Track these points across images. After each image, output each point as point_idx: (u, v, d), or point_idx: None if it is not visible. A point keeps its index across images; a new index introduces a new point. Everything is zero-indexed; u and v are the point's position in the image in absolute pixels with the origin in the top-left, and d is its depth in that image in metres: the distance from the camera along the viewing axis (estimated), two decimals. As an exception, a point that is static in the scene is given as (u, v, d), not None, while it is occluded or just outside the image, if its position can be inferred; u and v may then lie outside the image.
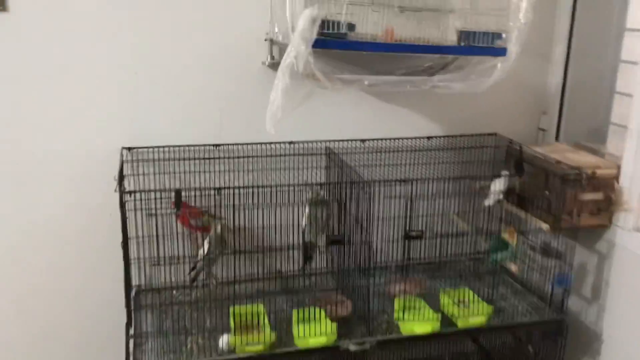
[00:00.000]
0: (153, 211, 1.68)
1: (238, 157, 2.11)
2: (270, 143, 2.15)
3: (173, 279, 1.94)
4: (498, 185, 2.08)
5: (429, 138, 2.31)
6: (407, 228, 1.81)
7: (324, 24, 1.71)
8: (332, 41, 1.73)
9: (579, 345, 2.26)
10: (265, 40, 2.05)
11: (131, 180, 2.02)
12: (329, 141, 2.21)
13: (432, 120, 2.36)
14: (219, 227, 1.77)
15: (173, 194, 1.64)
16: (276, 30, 1.94)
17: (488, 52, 1.89)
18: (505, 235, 2.07)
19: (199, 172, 2.07)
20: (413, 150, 2.30)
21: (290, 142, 2.17)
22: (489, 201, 2.09)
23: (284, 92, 1.68)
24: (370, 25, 1.84)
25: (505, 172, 2.14)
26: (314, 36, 1.68)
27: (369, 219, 1.79)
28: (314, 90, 1.78)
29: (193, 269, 1.82)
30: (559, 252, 2.14)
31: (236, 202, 1.70)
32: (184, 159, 2.07)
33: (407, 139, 2.29)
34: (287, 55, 1.70)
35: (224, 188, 1.66)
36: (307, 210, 1.80)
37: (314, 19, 1.68)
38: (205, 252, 1.75)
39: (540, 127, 2.49)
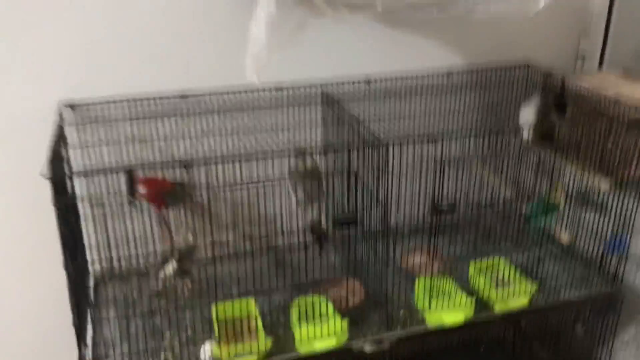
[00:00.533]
0: (103, 200, 1.24)
1: (212, 113, 1.65)
2: (252, 91, 1.69)
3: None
4: (527, 115, 1.69)
5: (448, 75, 1.86)
6: (436, 200, 1.39)
7: None
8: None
9: (628, 315, 1.91)
10: (239, -47, 1.55)
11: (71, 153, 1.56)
12: (326, 84, 1.75)
13: (449, 49, 1.90)
14: (190, 238, 1.35)
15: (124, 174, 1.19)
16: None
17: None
18: (554, 195, 1.67)
19: (160, 138, 1.62)
20: (429, 92, 1.85)
21: (277, 89, 1.71)
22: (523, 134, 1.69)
23: (269, 25, 1.22)
24: None
25: (535, 99, 1.73)
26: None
27: (386, 191, 1.37)
28: (308, 20, 1.31)
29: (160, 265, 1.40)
30: (607, 209, 1.75)
31: (211, 179, 1.26)
32: (135, 119, 1.60)
33: (421, 76, 1.83)
34: (270, -27, 1.22)
35: (192, 165, 1.21)
36: (296, 185, 1.37)
37: None
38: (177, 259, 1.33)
39: (580, 53, 2.04)
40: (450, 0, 1.36)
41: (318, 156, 1.33)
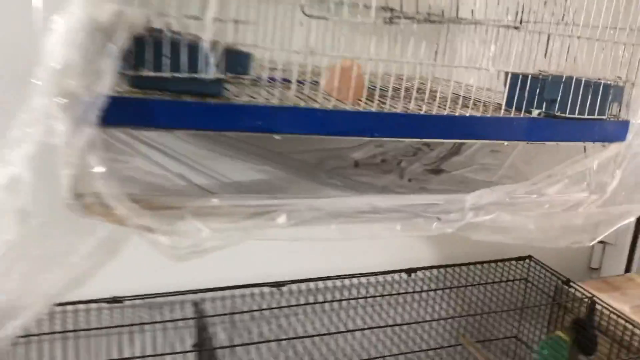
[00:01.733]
0: None
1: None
2: (71, 303, 0.94)
3: None
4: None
5: (408, 273, 1.16)
6: None
7: (141, 49, 0.52)
8: (174, 105, 0.54)
9: None
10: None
11: None
12: (201, 291, 1.02)
13: (411, 246, 1.21)
14: None
15: None
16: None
17: (591, 133, 0.74)
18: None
19: None
20: (380, 297, 1.15)
21: (114, 299, 0.97)
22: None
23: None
24: (294, 47, 0.63)
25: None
26: (106, 89, 0.49)
27: None
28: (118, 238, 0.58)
29: None
30: None
31: None
32: None
33: (366, 275, 1.13)
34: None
35: None
36: None
37: (104, 31, 0.48)
38: None
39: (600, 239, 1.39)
40: (427, 206, 0.66)
41: None
